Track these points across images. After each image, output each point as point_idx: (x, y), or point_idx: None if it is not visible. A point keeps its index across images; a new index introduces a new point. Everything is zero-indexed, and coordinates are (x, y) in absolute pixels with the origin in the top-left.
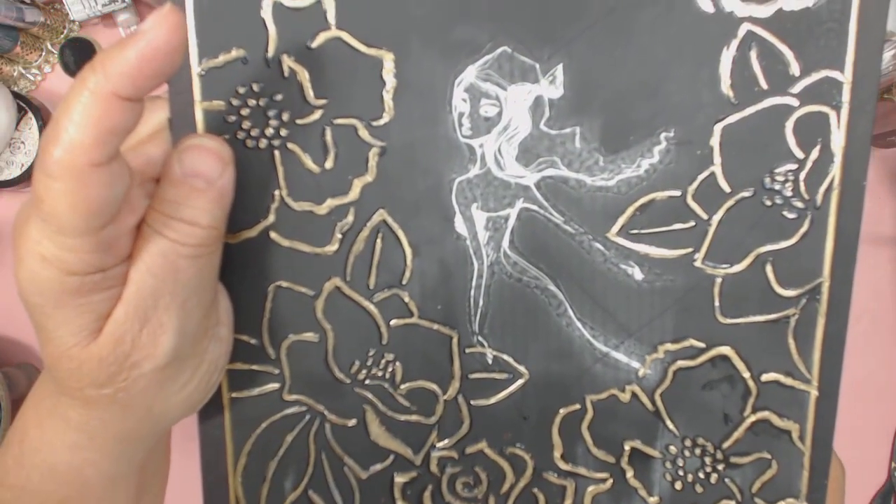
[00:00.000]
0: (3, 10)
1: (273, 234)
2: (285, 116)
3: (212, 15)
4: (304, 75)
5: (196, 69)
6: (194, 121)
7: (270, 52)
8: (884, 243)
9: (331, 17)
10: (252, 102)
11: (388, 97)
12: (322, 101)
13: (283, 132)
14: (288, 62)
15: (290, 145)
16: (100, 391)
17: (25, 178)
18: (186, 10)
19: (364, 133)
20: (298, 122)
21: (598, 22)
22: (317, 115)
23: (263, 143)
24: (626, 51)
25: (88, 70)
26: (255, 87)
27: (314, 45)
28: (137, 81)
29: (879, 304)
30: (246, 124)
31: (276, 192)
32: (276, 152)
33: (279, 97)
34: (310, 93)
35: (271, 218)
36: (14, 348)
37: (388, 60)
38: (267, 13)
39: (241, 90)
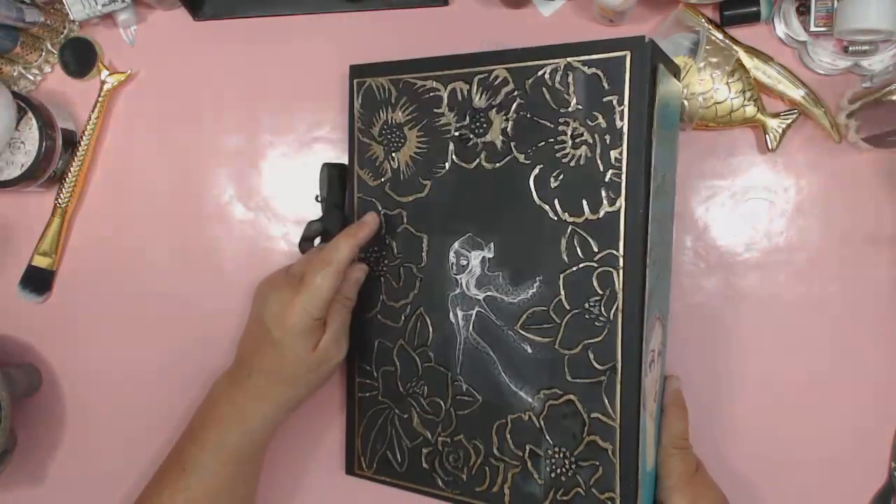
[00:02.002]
0: (3, 10)
1: (378, 317)
2: (386, 262)
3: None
4: (392, 244)
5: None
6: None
7: (381, 234)
8: (884, 243)
9: (405, 220)
10: (374, 255)
11: (424, 254)
12: (401, 255)
13: (385, 269)
14: (387, 238)
15: (388, 275)
16: (308, 374)
17: (25, 178)
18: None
19: (415, 270)
20: (390, 264)
21: (508, 224)
22: (397, 262)
23: (376, 272)
24: (520, 238)
25: (351, 236)
26: (375, 249)
27: (398, 230)
28: (362, 241)
29: (879, 304)
30: (373, 264)
31: (381, 297)
32: (381, 278)
33: (384, 253)
34: (395, 252)
35: (379, 307)
36: (14, 348)
37: (425, 238)
38: (381, 219)
39: (372, 250)
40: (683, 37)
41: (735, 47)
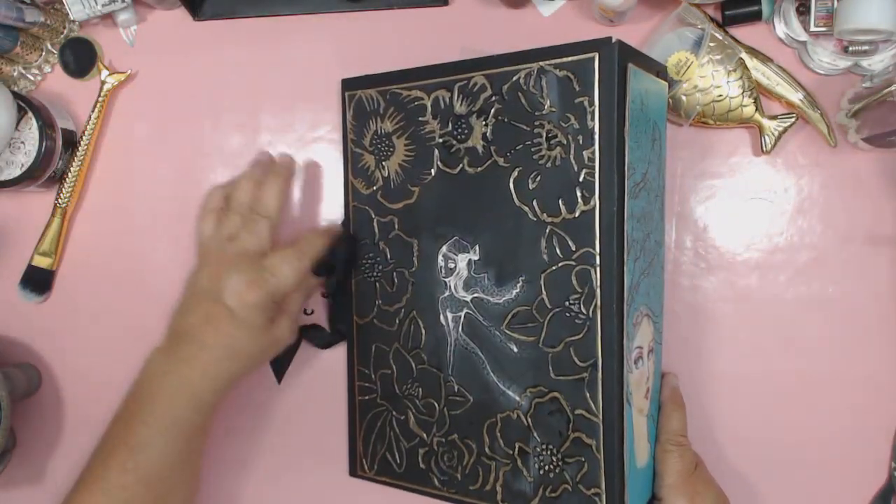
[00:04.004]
0: (3, 10)
1: (375, 321)
2: (380, 267)
3: (357, 226)
4: (385, 250)
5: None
6: (352, 272)
7: (375, 240)
8: (884, 243)
9: (396, 226)
10: (369, 261)
11: (415, 259)
12: (394, 261)
13: (379, 274)
14: (380, 244)
15: (382, 280)
16: (260, 353)
17: (25, 178)
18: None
19: (407, 275)
20: (384, 270)
21: (492, 227)
22: (391, 267)
23: (371, 278)
24: (502, 239)
25: (324, 235)
26: (370, 256)
27: (390, 236)
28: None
29: (879, 303)
30: (368, 270)
31: (376, 301)
32: (377, 283)
33: (378, 259)
34: (388, 257)
35: (375, 312)
36: (14, 348)
37: (415, 243)
38: (374, 226)
39: (367, 257)
40: (691, 31)
41: (738, 47)
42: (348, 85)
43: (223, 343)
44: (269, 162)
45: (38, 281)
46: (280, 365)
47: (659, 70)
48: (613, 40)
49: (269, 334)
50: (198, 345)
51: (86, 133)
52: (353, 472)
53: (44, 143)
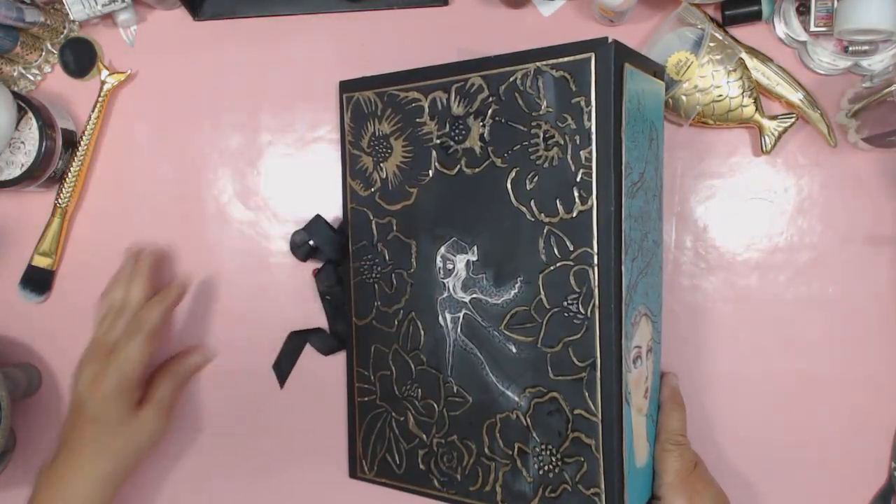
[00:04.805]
0: (3, 10)
1: (374, 322)
2: (378, 269)
3: (356, 228)
4: (384, 251)
5: (352, 248)
6: (350, 271)
7: (373, 242)
8: (884, 243)
9: (395, 228)
10: (367, 262)
11: (413, 260)
12: (392, 262)
13: (378, 276)
14: (379, 246)
15: (381, 282)
16: (127, 445)
17: (25, 178)
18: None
19: (406, 276)
20: (383, 271)
21: (490, 228)
22: (389, 268)
23: (370, 279)
24: (500, 240)
25: (160, 302)
26: (369, 257)
27: (388, 237)
28: (173, 303)
29: (879, 304)
30: (366, 271)
31: (375, 303)
32: (375, 285)
33: (377, 260)
34: (387, 259)
35: (374, 313)
36: (14, 348)
37: (414, 244)
38: (373, 227)
39: (365, 258)
40: (691, 31)
41: (738, 47)
42: (346, 87)
43: (88, 443)
44: (136, 254)
45: (38, 281)
46: (282, 369)
47: (656, 70)
48: (610, 40)
49: (132, 426)
50: (67, 450)
51: (86, 133)
52: (353, 473)
53: (44, 143)
